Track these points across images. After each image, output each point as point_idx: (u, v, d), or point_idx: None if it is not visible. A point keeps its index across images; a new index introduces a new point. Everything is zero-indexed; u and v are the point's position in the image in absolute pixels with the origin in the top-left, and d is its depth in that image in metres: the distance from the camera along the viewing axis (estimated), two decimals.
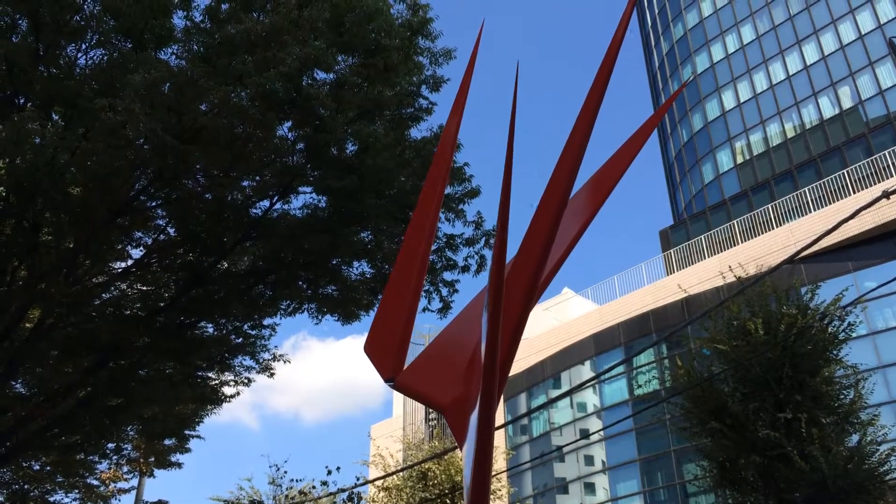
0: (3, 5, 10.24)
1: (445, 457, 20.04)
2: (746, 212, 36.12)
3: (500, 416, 30.32)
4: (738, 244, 31.09)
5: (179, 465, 19.10)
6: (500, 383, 1.62)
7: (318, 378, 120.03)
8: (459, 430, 1.79)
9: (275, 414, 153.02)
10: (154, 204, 12.36)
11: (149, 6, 10.34)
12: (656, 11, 54.64)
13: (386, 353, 1.99)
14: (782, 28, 45.31)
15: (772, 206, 32.86)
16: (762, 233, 30.83)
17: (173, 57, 11.22)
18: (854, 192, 29.03)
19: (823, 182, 31.67)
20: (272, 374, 16.05)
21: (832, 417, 12.13)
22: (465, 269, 13.23)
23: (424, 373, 1.96)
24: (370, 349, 2.04)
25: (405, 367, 1.98)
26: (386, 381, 1.95)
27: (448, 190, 12.74)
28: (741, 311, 13.14)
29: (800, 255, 7.62)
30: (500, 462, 26.54)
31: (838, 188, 30.53)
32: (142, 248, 13.19)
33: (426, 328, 34.84)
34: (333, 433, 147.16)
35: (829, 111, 41.04)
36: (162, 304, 13.11)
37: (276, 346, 23.31)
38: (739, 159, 43.87)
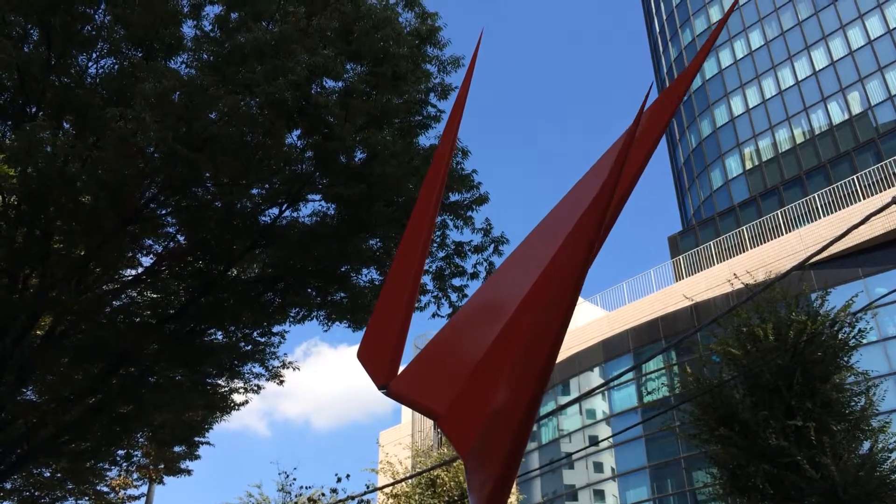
0: (16, 15, 10.35)
1: (454, 464, 20.01)
2: (755, 218, 36.05)
3: None
4: (747, 250, 31.03)
5: (189, 472, 19.13)
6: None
7: (329, 384, 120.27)
8: (460, 438, 1.75)
9: (285, 421, 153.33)
10: (164, 212, 12.43)
11: (159, 16, 10.43)
12: (664, 17, 54.66)
13: (380, 360, 1.94)
14: (791, 33, 45.24)
15: (781, 212, 32.78)
16: (771, 239, 30.76)
17: (183, 66, 11.31)
18: (864, 198, 28.93)
19: (833, 188, 31.58)
20: (282, 382, 16.09)
21: (843, 425, 12.06)
22: (474, 275, 13.25)
23: (418, 379, 1.89)
24: (364, 356, 2.00)
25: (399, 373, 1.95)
26: (379, 388, 1.91)
27: (456, 197, 12.78)
28: (750, 318, 13.09)
29: (809, 262, 7.60)
30: None
31: (848, 194, 30.43)
32: (152, 255, 13.26)
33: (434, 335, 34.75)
34: (344, 440, 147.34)
35: (838, 117, 40.92)
36: (172, 312, 13.16)
37: (285, 354, 23.36)
38: (748, 165, 43.77)
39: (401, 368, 1.95)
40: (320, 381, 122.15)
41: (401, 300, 2.04)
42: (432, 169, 2.27)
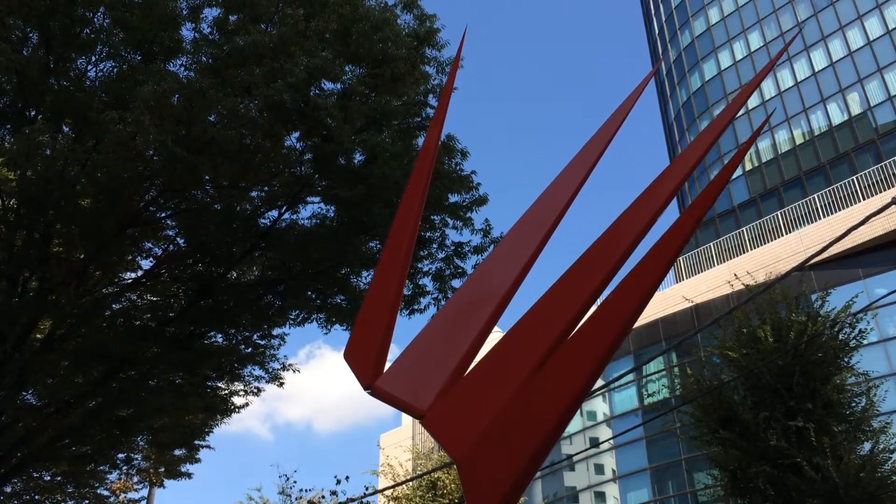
0: (15, 19, 10.34)
1: (455, 466, 19.93)
2: (755, 219, 36.03)
3: None
4: (747, 251, 31.03)
5: (189, 475, 19.11)
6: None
7: (331, 387, 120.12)
8: (450, 438, 1.70)
9: (287, 424, 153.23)
10: (163, 215, 12.42)
11: (158, 19, 10.42)
12: (664, 18, 54.68)
13: (365, 360, 1.90)
14: (790, 34, 45.25)
15: (781, 213, 32.77)
16: (771, 240, 30.76)
17: (182, 69, 11.31)
18: (864, 199, 28.93)
19: (833, 189, 31.58)
20: (281, 384, 16.09)
21: (843, 426, 12.05)
22: None
23: (402, 377, 1.84)
24: (350, 356, 1.95)
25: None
26: (364, 388, 1.85)
27: (455, 198, 12.78)
28: (751, 319, 13.08)
29: (809, 262, 7.59)
30: None
31: (848, 195, 30.43)
32: (151, 258, 13.25)
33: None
34: (346, 443, 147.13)
35: (837, 117, 40.91)
36: (171, 315, 13.15)
37: (285, 356, 23.34)
38: (748, 166, 43.76)
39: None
40: (322, 383, 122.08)
41: (386, 299, 2.01)
42: (418, 164, 2.25)
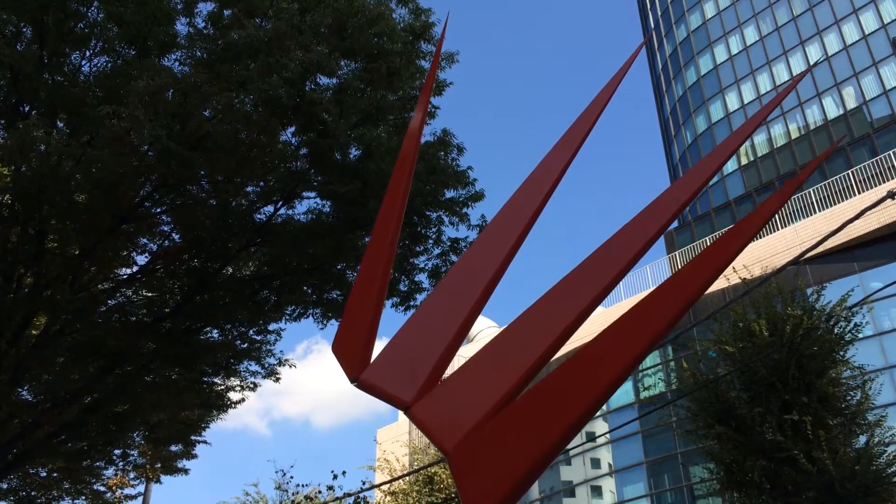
0: (8, 14, 10.29)
1: None
2: None
3: None
4: None
5: (186, 471, 19.09)
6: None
7: (329, 382, 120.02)
8: (439, 431, 1.63)
9: (285, 419, 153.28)
10: (159, 210, 12.39)
11: (152, 13, 10.38)
12: (659, 13, 54.64)
13: (352, 353, 1.89)
14: (785, 29, 45.25)
15: None
16: (767, 234, 30.78)
17: (177, 63, 11.27)
18: (859, 193, 28.96)
19: (828, 182, 31.61)
20: (278, 379, 16.07)
21: (839, 419, 12.09)
22: None
23: (388, 369, 1.82)
24: (338, 349, 1.94)
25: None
26: (351, 381, 1.83)
27: (451, 194, 12.75)
28: (747, 313, 13.11)
29: (805, 256, 7.60)
30: None
31: (843, 189, 30.46)
32: (147, 254, 13.21)
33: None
34: (344, 438, 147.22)
35: (833, 111, 40.95)
36: (167, 310, 13.13)
37: (281, 351, 23.33)
38: (744, 160, 43.80)
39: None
40: (320, 379, 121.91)
41: (371, 292, 2.00)
42: (401, 155, 2.24)
